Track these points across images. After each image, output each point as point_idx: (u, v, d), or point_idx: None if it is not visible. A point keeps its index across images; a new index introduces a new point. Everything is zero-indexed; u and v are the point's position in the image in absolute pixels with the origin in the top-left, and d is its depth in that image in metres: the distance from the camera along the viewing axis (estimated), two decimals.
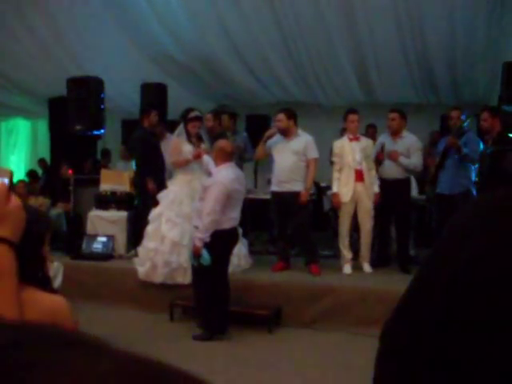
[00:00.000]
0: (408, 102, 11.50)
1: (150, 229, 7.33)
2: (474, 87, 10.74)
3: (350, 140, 7.50)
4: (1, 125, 15.46)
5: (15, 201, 1.41)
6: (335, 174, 7.53)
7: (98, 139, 10.63)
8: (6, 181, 1.41)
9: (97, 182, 8.80)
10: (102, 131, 9.67)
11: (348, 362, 5.66)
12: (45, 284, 2.21)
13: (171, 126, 10.09)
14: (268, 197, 8.40)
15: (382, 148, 7.74)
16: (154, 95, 10.16)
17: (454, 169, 7.42)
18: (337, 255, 7.95)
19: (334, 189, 7.50)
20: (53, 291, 2.25)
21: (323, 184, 9.21)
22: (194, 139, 7.26)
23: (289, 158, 7.34)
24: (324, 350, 6.06)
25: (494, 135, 7.04)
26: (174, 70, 11.03)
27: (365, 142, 7.58)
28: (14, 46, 10.08)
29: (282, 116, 7.38)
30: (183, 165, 7.23)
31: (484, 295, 0.65)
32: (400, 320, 0.83)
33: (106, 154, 11.75)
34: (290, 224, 7.54)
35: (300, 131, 7.52)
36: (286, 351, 5.99)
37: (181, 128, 7.35)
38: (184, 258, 6.94)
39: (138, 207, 8.42)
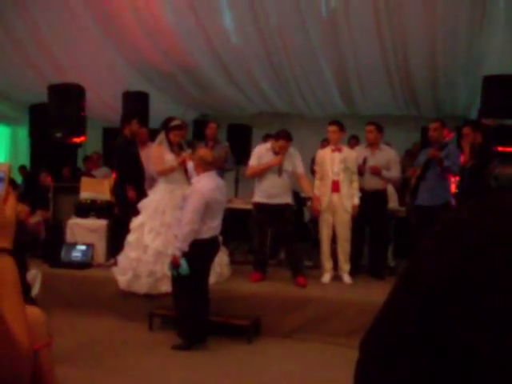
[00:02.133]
0: (389, 113, 11.59)
1: (131, 238, 7.28)
2: (454, 100, 10.85)
3: (332, 151, 7.54)
4: None
5: (12, 208, 1.40)
6: (316, 182, 7.63)
7: (79, 147, 10.56)
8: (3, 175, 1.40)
9: (77, 190, 8.75)
10: (83, 138, 9.62)
11: (327, 373, 5.66)
12: (24, 294, 2.18)
13: (153, 135, 10.10)
14: (248, 207, 8.40)
15: (365, 161, 7.81)
16: (135, 103, 10.14)
17: (434, 181, 7.47)
18: (317, 265, 7.97)
19: (316, 193, 7.54)
20: (30, 301, 2.24)
21: (303, 195, 9.24)
22: (175, 148, 7.24)
23: (280, 178, 7.36)
24: (303, 361, 6.05)
25: (476, 148, 7.10)
26: (157, 78, 11.02)
27: (347, 153, 7.59)
28: None
29: (287, 143, 7.31)
30: (169, 173, 7.19)
31: (460, 305, 0.65)
32: (378, 331, 0.83)
33: (90, 159, 11.61)
34: (276, 235, 7.57)
35: (290, 149, 7.48)
36: (264, 361, 5.97)
37: (162, 137, 7.31)
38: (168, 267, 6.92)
39: (117, 216, 8.37)
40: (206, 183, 6.06)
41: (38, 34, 9.60)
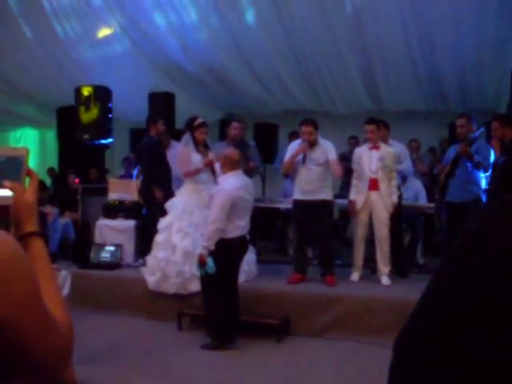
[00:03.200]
0: (416, 109, 11.49)
1: (159, 238, 7.30)
2: (482, 95, 10.71)
3: (370, 149, 7.42)
4: (9, 134, 15.51)
5: (34, 192, 1.41)
6: (353, 181, 7.55)
7: (106, 148, 10.63)
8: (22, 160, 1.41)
9: (105, 191, 8.82)
10: (110, 140, 9.69)
11: (357, 372, 5.62)
12: None
13: (179, 135, 10.14)
14: (276, 206, 8.39)
15: None
16: (161, 104, 10.19)
17: (464, 176, 7.37)
18: (345, 264, 7.92)
19: (351, 196, 7.48)
20: None
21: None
22: (202, 147, 7.22)
23: (315, 170, 7.24)
24: (333, 360, 6.01)
25: (506, 143, 6.99)
26: (182, 79, 11.05)
27: (385, 150, 7.45)
28: (24, 56, 10.13)
29: (311, 129, 7.23)
30: (195, 175, 7.18)
31: (501, 298, 0.63)
32: (413, 332, 0.80)
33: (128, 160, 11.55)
34: (314, 232, 7.48)
35: (319, 140, 7.37)
36: (294, 360, 5.95)
37: (187, 137, 7.28)
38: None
39: (145, 216, 8.41)
40: (231, 182, 6.04)
41: (65, 37, 9.69)
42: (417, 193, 8.73)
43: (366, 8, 8.60)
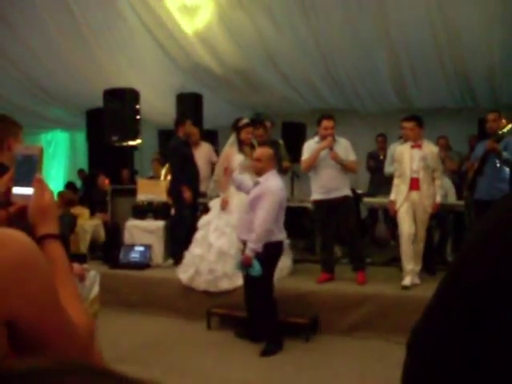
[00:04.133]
0: (444, 106, 11.39)
1: (198, 235, 7.42)
2: (511, 91, 10.58)
3: (412, 147, 7.17)
4: (40, 137, 15.71)
5: (49, 193, 1.42)
6: (394, 181, 7.30)
7: (135, 149, 10.73)
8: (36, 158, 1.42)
9: (134, 192, 8.90)
10: (139, 141, 9.79)
11: (386, 371, 5.59)
12: None
13: (207, 136, 10.19)
14: (304, 205, 8.37)
15: None
16: (189, 105, 10.26)
17: (492, 174, 7.29)
18: (375, 262, 7.88)
19: (392, 196, 7.26)
20: None
21: (359, 191, 9.14)
22: (248, 148, 7.21)
23: (334, 167, 7.19)
24: (362, 358, 6.00)
25: None
26: (210, 80, 11.09)
27: (428, 149, 7.17)
28: (53, 60, 10.25)
29: (332, 123, 7.19)
30: (229, 176, 7.18)
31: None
32: (426, 331, 0.81)
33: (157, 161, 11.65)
34: (340, 230, 7.45)
35: (336, 137, 7.35)
36: (323, 359, 5.95)
37: (233, 138, 7.37)
38: (230, 267, 6.93)
39: (174, 216, 8.47)
40: (275, 182, 5.98)
41: (93, 40, 9.79)
42: (446, 190, 8.65)
43: (393, 6, 8.54)
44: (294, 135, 11.44)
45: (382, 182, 8.97)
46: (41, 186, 1.41)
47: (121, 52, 9.99)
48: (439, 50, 9.35)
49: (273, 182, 5.94)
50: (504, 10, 8.13)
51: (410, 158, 7.09)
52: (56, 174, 15.43)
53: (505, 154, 7.09)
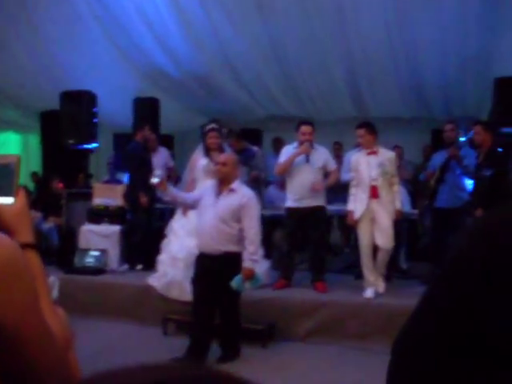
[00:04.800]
0: (399, 116, 11.57)
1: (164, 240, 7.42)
2: (465, 102, 10.82)
3: (368, 154, 7.01)
4: None
5: (23, 202, 1.40)
6: (351, 190, 7.10)
7: (90, 153, 10.62)
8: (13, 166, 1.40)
9: (89, 196, 8.80)
10: (95, 145, 9.69)
11: (342, 376, 5.66)
12: None
13: (163, 140, 10.14)
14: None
15: None
16: (146, 109, 10.19)
17: (453, 182, 7.47)
18: (329, 270, 7.92)
19: (349, 206, 7.08)
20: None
21: None
22: (215, 153, 7.01)
23: (312, 173, 7.18)
24: (318, 364, 6.05)
25: (485, 150, 7.09)
26: (167, 84, 11.05)
27: (384, 155, 7.02)
28: (7, 60, 10.08)
29: (310, 129, 7.19)
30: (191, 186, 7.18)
31: (497, 308, 0.66)
32: (410, 333, 0.84)
33: None
34: (305, 238, 7.46)
35: (315, 144, 7.35)
36: (279, 365, 5.97)
37: (201, 143, 7.32)
38: (180, 273, 6.90)
39: (130, 221, 8.42)
40: (249, 190, 5.88)
41: (50, 41, 9.67)
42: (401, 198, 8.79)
43: (351, 15, 8.66)
44: (250, 141, 11.46)
45: (337, 189, 9.05)
46: (20, 196, 1.39)
47: (78, 54, 9.87)
48: (395, 61, 9.51)
49: (248, 190, 5.83)
50: (460, 21, 8.31)
51: (367, 166, 6.93)
52: None
53: (465, 162, 7.27)
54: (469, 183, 7.52)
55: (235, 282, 5.63)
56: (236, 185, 5.74)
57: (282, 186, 9.21)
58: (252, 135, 11.78)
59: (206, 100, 11.90)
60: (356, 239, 7.96)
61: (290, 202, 7.35)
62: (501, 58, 8.63)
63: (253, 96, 11.75)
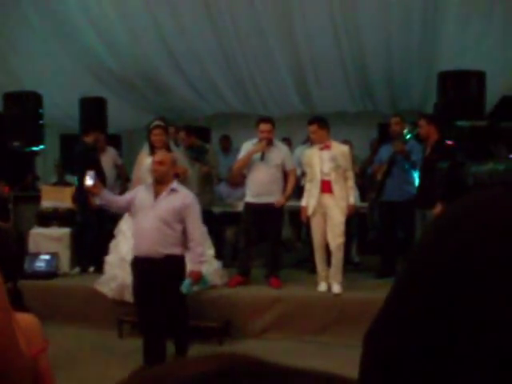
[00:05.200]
0: (346, 110, 11.71)
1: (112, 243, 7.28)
2: (409, 96, 11.02)
3: (321, 149, 6.98)
4: None
5: None
6: (306, 186, 7.15)
7: (37, 155, 10.41)
8: None
9: (37, 199, 8.65)
10: (42, 147, 9.53)
11: None
12: (15, 302, 2.17)
13: (111, 140, 10.03)
14: (209, 209, 8.39)
15: None
16: (93, 109, 10.06)
17: (400, 176, 7.60)
18: (282, 265, 7.97)
19: (303, 201, 7.09)
20: (23, 309, 2.21)
21: None
22: (161, 150, 6.95)
23: (268, 170, 7.22)
24: (275, 360, 6.08)
25: (432, 142, 7.23)
26: (113, 83, 10.93)
27: (337, 149, 7.00)
28: None
29: (269, 126, 7.20)
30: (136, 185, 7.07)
31: (475, 287, 0.68)
32: (380, 325, 0.86)
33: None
34: (262, 234, 7.48)
35: (275, 141, 7.41)
36: None
37: (146, 143, 7.22)
38: (129, 275, 6.84)
39: (80, 223, 8.30)
40: (188, 190, 5.76)
41: None
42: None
43: (296, 11, 8.72)
44: (198, 139, 11.42)
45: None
46: None
47: (21, 53, 9.68)
48: (341, 56, 9.62)
49: (188, 191, 5.71)
50: (404, 16, 8.46)
51: (319, 161, 6.92)
52: None
53: (412, 157, 7.41)
54: (415, 177, 7.67)
55: (184, 287, 5.42)
56: (176, 185, 5.55)
57: (232, 183, 9.26)
58: (200, 133, 11.74)
59: (153, 98, 11.83)
60: (307, 234, 8.06)
61: (248, 198, 7.41)
62: (444, 51, 8.81)
63: (200, 93, 11.72)
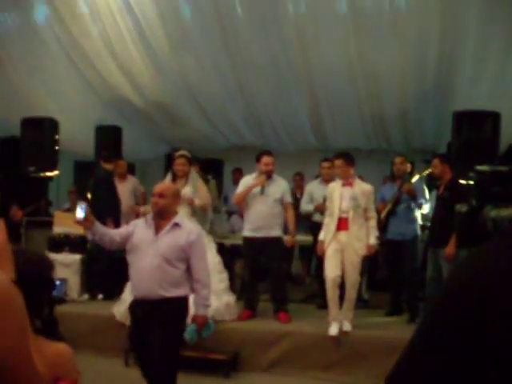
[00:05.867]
0: (360, 147, 11.73)
1: None
2: (423, 134, 11.04)
3: (343, 185, 6.82)
4: None
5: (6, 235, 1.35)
6: (325, 220, 6.93)
7: (50, 181, 10.49)
8: None
9: (50, 224, 8.68)
10: (56, 173, 9.60)
11: None
12: (50, 330, 2.14)
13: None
14: (221, 241, 8.39)
15: (324, 200, 7.81)
16: (108, 137, 10.14)
17: (404, 215, 7.61)
18: (291, 300, 7.92)
19: (321, 235, 6.89)
20: (58, 337, 2.19)
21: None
22: (182, 180, 7.03)
23: (268, 204, 7.24)
24: None
25: (446, 181, 7.24)
26: (130, 112, 11.02)
27: (359, 188, 6.79)
28: None
29: (272, 160, 7.25)
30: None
31: (501, 326, 0.69)
32: (404, 368, 0.85)
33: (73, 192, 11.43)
34: (264, 268, 7.46)
35: (274, 176, 7.43)
36: None
37: (169, 172, 7.27)
38: None
39: (91, 250, 8.31)
40: (193, 225, 5.34)
41: (11, 67, 9.58)
42: None
43: (313, 50, 8.79)
44: (211, 171, 11.48)
45: (297, 220, 9.10)
46: (1, 229, 1.35)
47: (40, 80, 9.79)
48: (357, 93, 9.66)
49: (194, 225, 5.25)
50: (420, 55, 8.51)
51: (339, 197, 6.75)
52: None
53: (418, 197, 7.45)
54: (417, 216, 7.69)
55: (188, 333, 4.92)
56: (179, 219, 4.94)
57: (243, 215, 9.27)
58: (213, 165, 11.80)
59: (168, 128, 11.90)
60: (317, 269, 8.05)
61: (246, 232, 7.43)
62: (459, 91, 8.84)
63: (214, 125, 11.79)
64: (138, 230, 4.92)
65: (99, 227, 4.86)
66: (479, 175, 7.32)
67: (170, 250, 4.75)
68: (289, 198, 7.49)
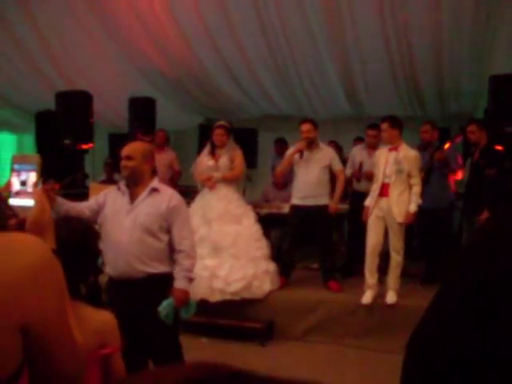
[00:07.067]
0: (395, 114, 11.58)
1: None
2: (460, 100, 10.85)
3: (389, 150, 6.62)
4: None
5: (42, 208, 1.37)
6: (373, 186, 6.74)
7: (86, 153, 10.58)
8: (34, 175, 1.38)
9: (86, 196, 8.76)
10: (91, 145, 9.68)
11: (340, 374, 5.68)
12: (95, 297, 2.18)
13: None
14: (256, 210, 8.40)
15: (360, 166, 7.76)
16: (142, 109, 10.17)
17: (438, 183, 7.50)
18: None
19: (366, 201, 6.76)
20: (102, 306, 2.22)
21: None
22: (221, 150, 7.04)
23: (314, 172, 7.17)
24: (316, 363, 6.07)
25: (481, 148, 7.12)
26: (162, 84, 11.04)
27: (405, 153, 6.54)
28: (1, 61, 10.06)
29: (309, 126, 7.17)
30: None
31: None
32: (425, 331, 0.85)
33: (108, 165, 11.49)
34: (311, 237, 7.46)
35: (320, 144, 7.38)
36: (278, 364, 5.98)
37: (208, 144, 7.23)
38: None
39: None
40: (171, 188, 4.59)
41: (44, 41, 9.65)
42: None
43: (346, 14, 8.66)
44: (246, 141, 11.47)
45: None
46: (41, 200, 1.37)
47: (73, 54, 9.85)
48: (391, 59, 9.51)
49: (173, 190, 4.49)
50: (455, 17, 8.31)
51: (385, 162, 6.57)
52: (2, 178, 15.06)
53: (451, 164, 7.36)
54: (451, 183, 7.60)
55: (163, 308, 4.14)
56: (157, 183, 4.36)
57: (278, 184, 9.25)
58: (248, 134, 11.78)
59: (201, 99, 11.89)
60: (349, 237, 8.05)
61: (295, 200, 7.36)
62: (497, 54, 8.64)
63: (248, 95, 11.74)
64: (110, 200, 4.38)
65: (62, 203, 4.21)
66: (508, 137, 7.21)
67: (149, 218, 4.19)
68: (339, 165, 7.37)
